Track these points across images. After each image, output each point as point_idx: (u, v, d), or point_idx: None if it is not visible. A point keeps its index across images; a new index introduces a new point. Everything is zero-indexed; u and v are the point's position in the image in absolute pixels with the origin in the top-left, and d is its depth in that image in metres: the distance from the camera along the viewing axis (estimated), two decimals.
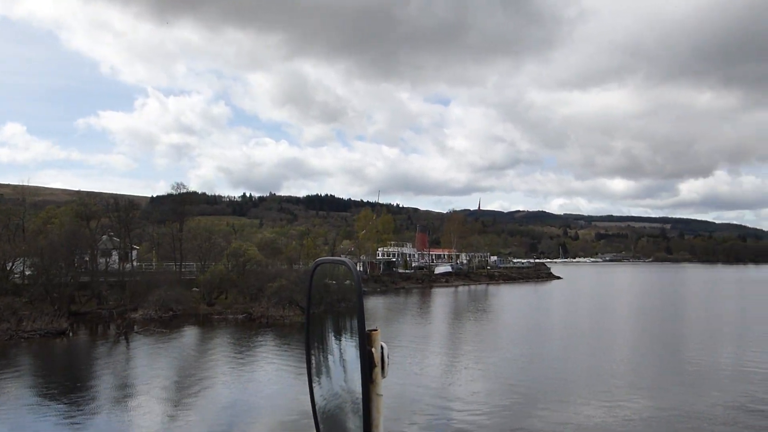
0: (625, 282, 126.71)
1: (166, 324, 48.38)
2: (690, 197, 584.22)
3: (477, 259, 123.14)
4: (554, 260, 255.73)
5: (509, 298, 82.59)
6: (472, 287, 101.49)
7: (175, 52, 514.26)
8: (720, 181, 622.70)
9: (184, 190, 77.61)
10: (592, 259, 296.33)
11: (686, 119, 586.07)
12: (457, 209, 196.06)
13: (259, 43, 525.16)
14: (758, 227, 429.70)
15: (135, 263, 68.14)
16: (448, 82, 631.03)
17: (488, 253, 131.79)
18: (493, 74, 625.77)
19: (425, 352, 37.66)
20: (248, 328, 47.53)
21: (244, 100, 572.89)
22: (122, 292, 56.11)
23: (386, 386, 1.75)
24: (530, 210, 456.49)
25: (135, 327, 46.72)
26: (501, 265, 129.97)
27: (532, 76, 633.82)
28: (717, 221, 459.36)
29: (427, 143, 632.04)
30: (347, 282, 1.88)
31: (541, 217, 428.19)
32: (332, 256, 46.54)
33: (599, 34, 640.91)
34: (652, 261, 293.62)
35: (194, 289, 60.66)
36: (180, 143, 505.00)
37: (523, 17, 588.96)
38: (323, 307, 2.07)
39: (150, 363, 34.74)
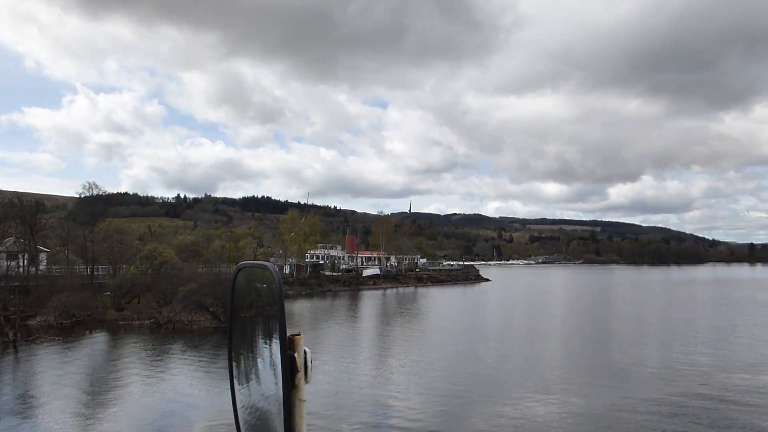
0: (553, 283, 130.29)
1: (67, 331, 46.05)
2: (618, 201, 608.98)
3: (406, 262, 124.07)
4: (489, 262, 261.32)
5: (436, 300, 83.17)
6: (400, 290, 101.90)
7: (105, 47, 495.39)
8: (646, 186, 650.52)
9: (97, 191, 74.51)
10: (526, 261, 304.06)
11: (615, 126, 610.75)
12: (395, 212, 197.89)
13: (195, 41, 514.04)
14: (681, 230, 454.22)
15: (44, 267, 65.04)
16: (387, 84, 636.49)
17: (417, 256, 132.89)
18: (431, 78, 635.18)
19: (351, 355, 37.38)
20: (154, 335, 45.67)
21: (179, 100, 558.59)
22: (25, 297, 53.18)
23: (311, 391, 1.68)
24: (466, 213, 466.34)
25: (31, 335, 44.15)
26: (430, 268, 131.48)
27: (470, 80, 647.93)
28: (644, 224, 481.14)
29: (365, 146, 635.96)
30: (274, 286, 1.85)
31: (477, 220, 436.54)
32: (254, 259, 45.50)
33: (534, 41, 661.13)
34: (582, 263, 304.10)
35: (106, 293, 58.18)
36: (111, 142, 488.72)
37: (461, 23, 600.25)
38: (253, 311, 2.03)
39: (36, 376, 32.74)
